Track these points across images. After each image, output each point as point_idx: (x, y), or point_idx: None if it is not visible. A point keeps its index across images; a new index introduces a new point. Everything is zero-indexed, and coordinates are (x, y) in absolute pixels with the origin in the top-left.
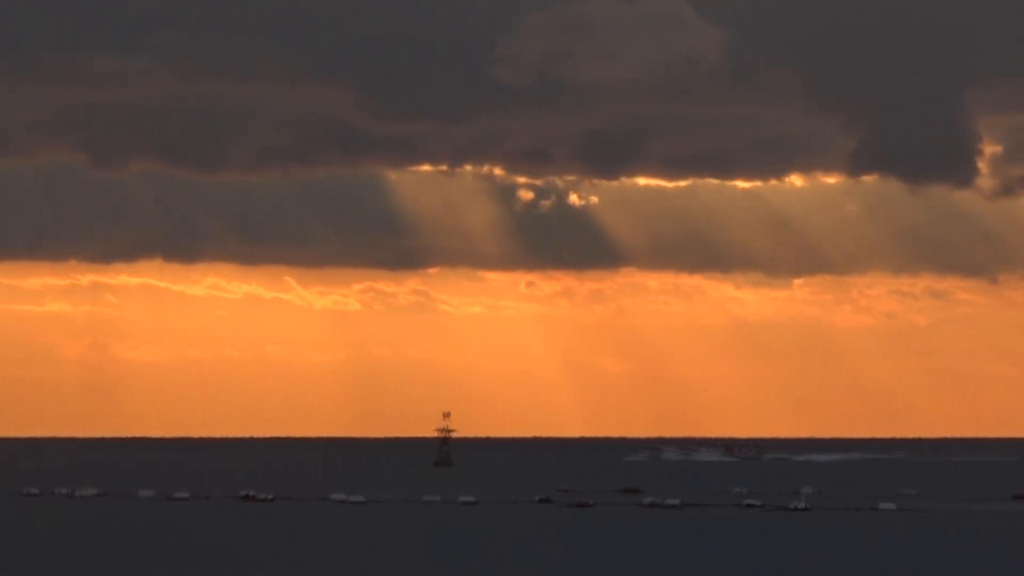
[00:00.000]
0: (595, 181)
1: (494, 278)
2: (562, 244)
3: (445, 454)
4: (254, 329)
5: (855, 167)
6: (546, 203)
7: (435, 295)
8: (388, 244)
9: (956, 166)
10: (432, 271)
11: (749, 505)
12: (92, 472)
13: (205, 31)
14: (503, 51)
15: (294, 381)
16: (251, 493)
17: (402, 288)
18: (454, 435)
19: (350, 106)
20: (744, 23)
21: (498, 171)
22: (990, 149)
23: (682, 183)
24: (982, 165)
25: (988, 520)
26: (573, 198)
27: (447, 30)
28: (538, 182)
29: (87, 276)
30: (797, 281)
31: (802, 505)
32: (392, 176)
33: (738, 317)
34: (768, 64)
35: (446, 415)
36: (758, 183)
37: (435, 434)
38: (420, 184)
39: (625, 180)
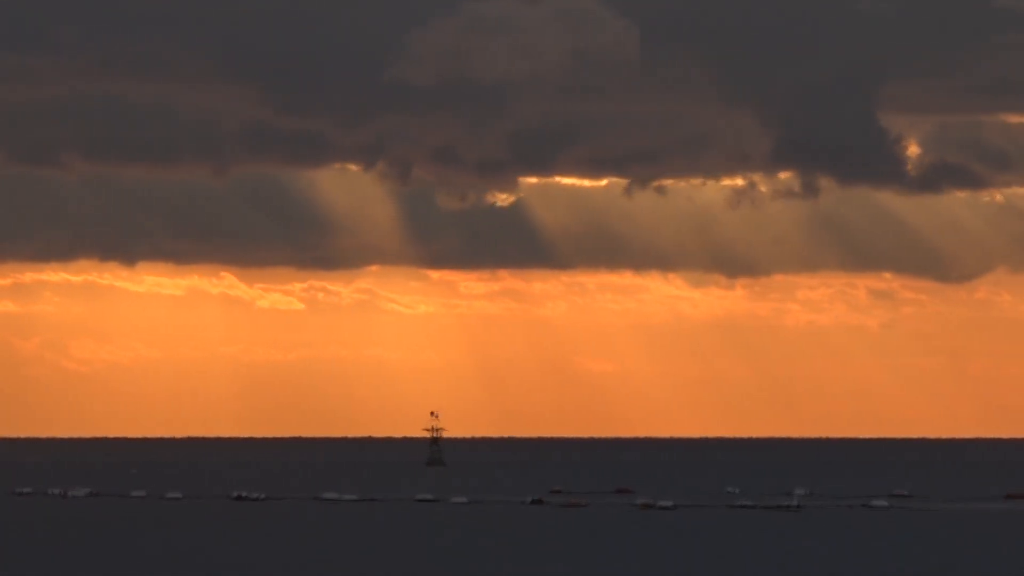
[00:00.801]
0: (526, 180)
1: (438, 277)
2: (500, 244)
3: (437, 453)
4: (205, 328)
5: (781, 166)
6: (478, 203)
7: (381, 293)
8: (319, 243)
9: (884, 164)
10: (373, 269)
11: (742, 505)
12: (81, 471)
13: (110, 30)
14: (425, 49)
15: (251, 380)
16: (243, 493)
17: (348, 287)
18: (443, 434)
19: (272, 105)
20: (656, 19)
21: (425, 171)
22: (916, 146)
23: (608, 182)
24: (911, 162)
25: (981, 519)
26: (504, 197)
27: (368, 29)
28: (470, 182)
29: (26, 275)
30: (741, 281)
31: (795, 505)
32: (312, 175)
33: (689, 317)
34: (687, 61)
35: (434, 415)
36: (685, 182)
37: (424, 433)
38: (342, 183)
39: (558, 179)
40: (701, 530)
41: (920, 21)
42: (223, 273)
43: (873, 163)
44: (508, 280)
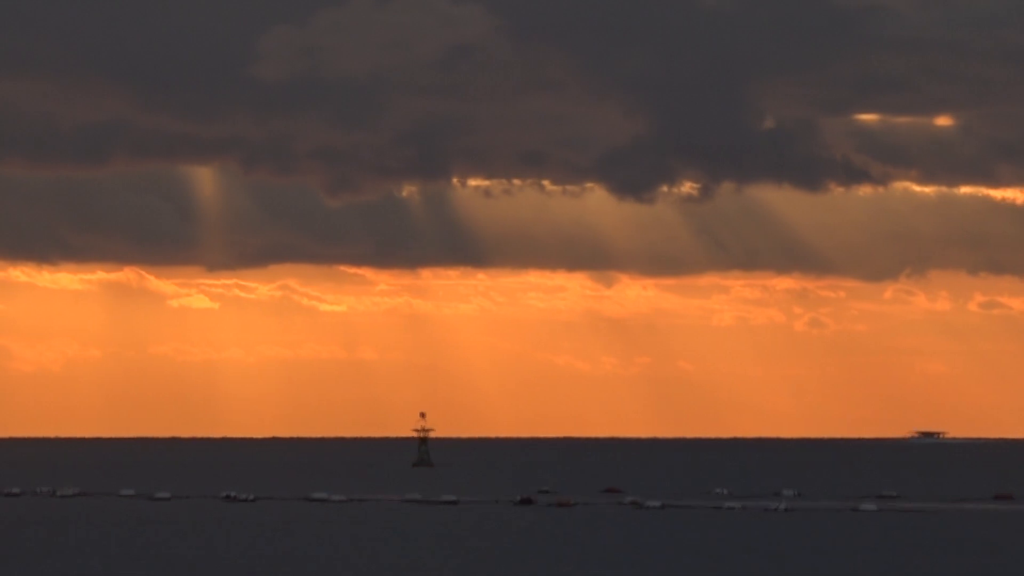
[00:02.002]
0: (416, 179)
1: (354, 274)
2: (403, 241)
3: (425, 454)
4: (132, 327)
5: (674, 165)
6: (371, 200)
7: (302, 290)
8: (218, 241)
9: (776, 162)
10: (286, 267)
11: (730, 507)
12: (67, 472)
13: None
14: (297, 47)
15: (178, 380)
16: (233, 493)
17: (268, 285)
18: (432, 434)
19: (156, 106)
20: (525, 18)
21: (313, 169)
22: (809, 144)
23: (496, 181)
24: (808, 160)
25: (970, 519)
26: (404, 196)
27: (237, 27)
28: (358, 180)
29: None
30: (668, 281)
31: (783, 506)
32: (203, 173)
33: (612, 315)
34: (559, 60)
35: (422, 415)
36: (564, 184)
37: (413, 434)
38: (233, 181)
39: (446, 178)
40: (689, 530)
41: (776, 22)
42: (134, 272)
43: (764, 162)
44: (428, 278)
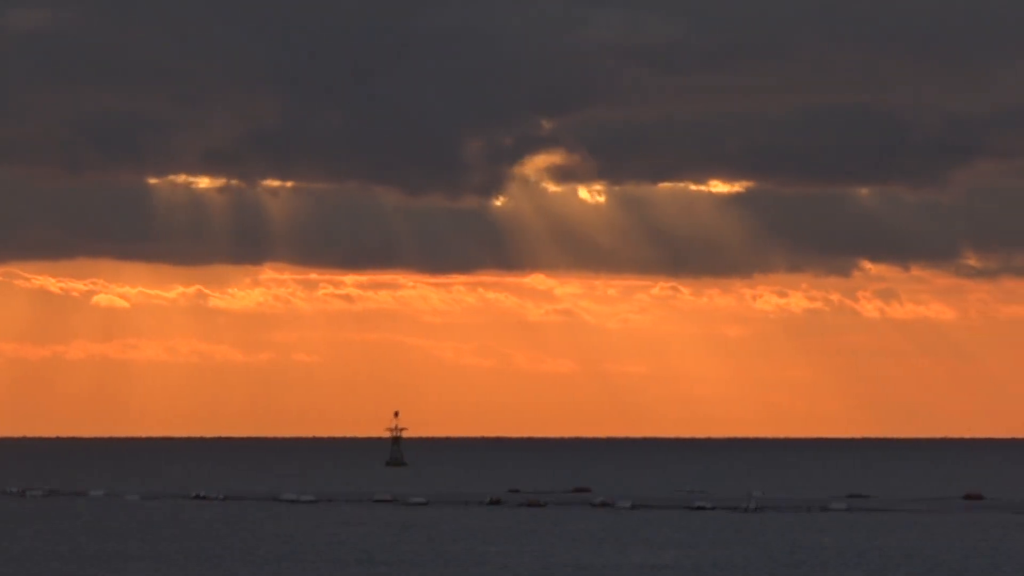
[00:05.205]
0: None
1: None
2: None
3: (397, 453)
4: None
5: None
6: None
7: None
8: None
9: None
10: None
11: (699, 507)
12: (40, 471)
13: None
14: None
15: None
16: (203, 493)
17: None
18: (405, 433)
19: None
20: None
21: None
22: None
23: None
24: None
25: (939, 519)
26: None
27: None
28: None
29: None
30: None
31: (752, 506)
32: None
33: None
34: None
35: (396, 414)
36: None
37: (386, 433)
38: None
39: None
40: (658, 530)
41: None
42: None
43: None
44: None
